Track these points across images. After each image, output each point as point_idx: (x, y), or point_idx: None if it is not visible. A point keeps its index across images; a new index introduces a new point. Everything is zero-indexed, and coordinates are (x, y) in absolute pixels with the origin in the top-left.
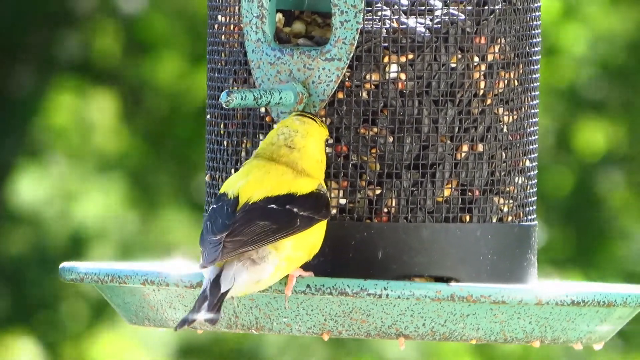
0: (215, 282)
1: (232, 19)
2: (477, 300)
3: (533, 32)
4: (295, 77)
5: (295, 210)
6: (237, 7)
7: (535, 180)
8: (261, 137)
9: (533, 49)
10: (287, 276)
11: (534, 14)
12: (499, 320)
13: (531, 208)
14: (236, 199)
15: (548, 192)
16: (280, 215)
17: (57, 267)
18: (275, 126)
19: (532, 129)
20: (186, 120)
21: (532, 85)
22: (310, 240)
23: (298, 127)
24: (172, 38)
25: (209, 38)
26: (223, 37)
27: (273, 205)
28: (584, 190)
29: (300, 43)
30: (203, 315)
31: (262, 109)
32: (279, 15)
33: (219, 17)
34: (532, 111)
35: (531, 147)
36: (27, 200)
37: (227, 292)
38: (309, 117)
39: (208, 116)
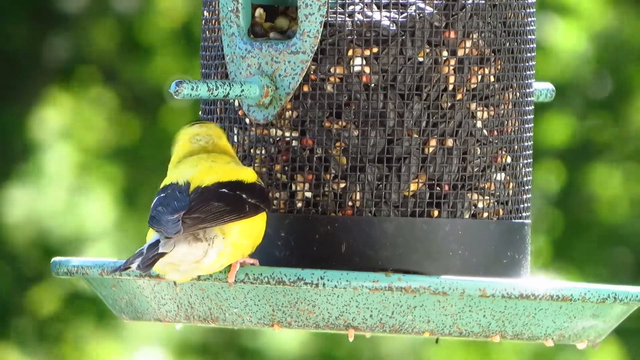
0: (154, 244)
1: (213, 14)
2: (416, 291)
3: (518, 28)
4: (264, 70)
5: (244, 196)
6: (217, 2)
7: (528, 178)
8: (235, 131)
9: (519, 45)
10: (230, 264)
11: (521, 11)
12: (449, 313)
13: (518, 206)
14: (188, 184)
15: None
16: (231, 199)
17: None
18: (180, 140)
19: (518, 126)
20: (183, 117)
21: (517, 82)
22: (256, 228)
23: (208, 132)
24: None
25: (201, 34)
26: (207, 32)
27: (224, 190)
28: (575, 186)
29: (271, 37)
30: (134, 266)
31: (236, 103)
32: (260, 10)
33: (205, 12)
34: (519, 108)
35: (519, 144)
36: (26, 201)
37: (163, 254)
38: (205, 122)
39: (200, 112)
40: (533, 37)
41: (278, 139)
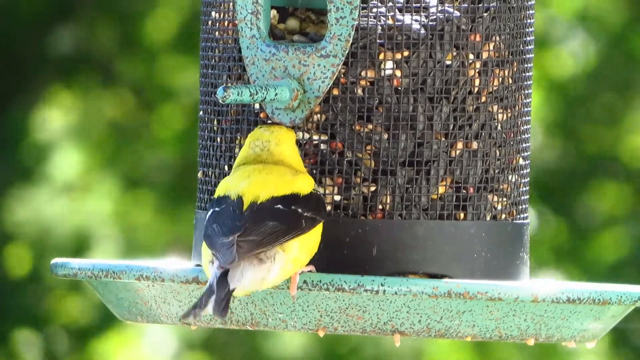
0: (223, 277)
1: (226, 15)
2: (474, 297)
3: (527, 30)
4: (290, 73)
5: (300, 210)
6: (231, 4)
7: (528, 179)
8: None
9: (526, 47)
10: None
11: (527, 12)
12: (494, 318)
13: (524, 206)
14: (240, 199)
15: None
16: (287, 216)
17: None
18: (246, 141)
19: (525, 127)
20: (185, 116)
21: (525, 83)
22: (312, 241)
23: (269, 137)
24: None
25: (202, 34)
26: (217, 33)
27: (279, 206)
28: (579, 185)
29: (295, 39)
30: (210, 309)
31: (257, 105)
32: (273, 12)
33: (213, 13)
34: (526, 109)
35: (524, 145)
36: (28, 200)
37: (234, 289)
38: (275, 124)
39: (201, 112)
40: (532, 38)
41: (305, 142)
